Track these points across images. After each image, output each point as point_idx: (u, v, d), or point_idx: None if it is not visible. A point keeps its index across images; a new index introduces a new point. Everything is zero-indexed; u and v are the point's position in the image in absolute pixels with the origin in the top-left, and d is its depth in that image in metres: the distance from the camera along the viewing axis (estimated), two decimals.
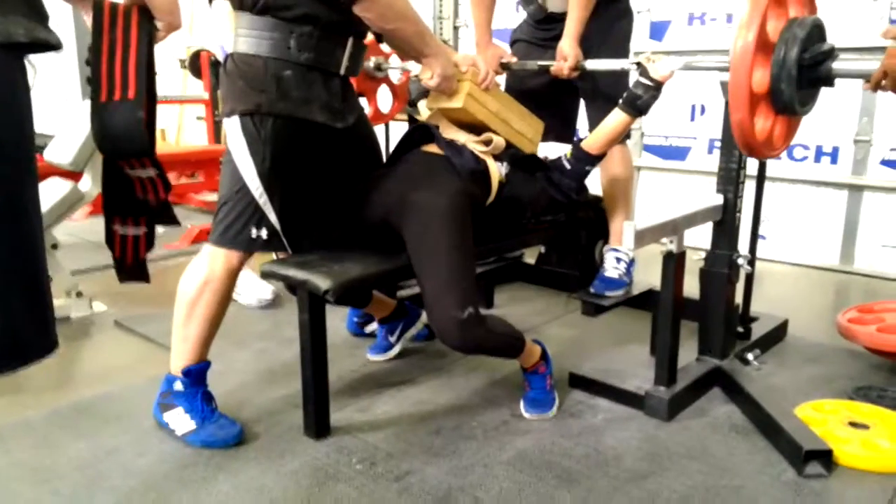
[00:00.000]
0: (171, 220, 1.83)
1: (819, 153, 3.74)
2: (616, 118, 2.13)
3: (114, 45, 1.49)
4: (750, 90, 1.74)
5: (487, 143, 2.10)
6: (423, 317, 2.52)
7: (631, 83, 2.18)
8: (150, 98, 1.56)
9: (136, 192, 1.70)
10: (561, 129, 2.65)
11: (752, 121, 1.79)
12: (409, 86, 2.43)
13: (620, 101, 2.13)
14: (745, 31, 1.71)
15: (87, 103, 1.54)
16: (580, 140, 2.20)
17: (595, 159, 2.18)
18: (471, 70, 2.14)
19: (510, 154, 2.17)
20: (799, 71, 1.74)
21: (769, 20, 1.76)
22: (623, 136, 2.24)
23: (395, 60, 2.98)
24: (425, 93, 2.33)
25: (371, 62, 2.93)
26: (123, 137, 1.52)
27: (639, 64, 2.11)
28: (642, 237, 1.86)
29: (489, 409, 2.12)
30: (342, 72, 1.90)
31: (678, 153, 4.20)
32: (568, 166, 2.18)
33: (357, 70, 1.97)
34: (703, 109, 4.06)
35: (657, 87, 2.07)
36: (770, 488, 1.71)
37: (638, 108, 2.11)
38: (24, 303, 1.16)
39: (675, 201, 3.90)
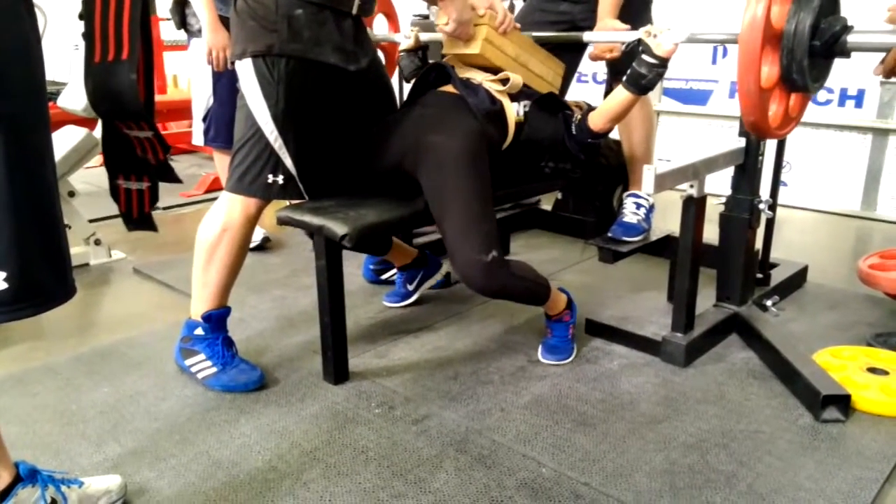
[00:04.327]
0: (172, 179, 1.81)
1: (843, 96, 3.65)
2: (620, 97, 1.98)
3: (107, 0, 1.45)
4: (760, 89, 1.62)
5: (504, 81, 2.05)
6: (444, 267, 2.52)
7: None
8: (146, 57, 1.53)
9: (136, 151, 1.69)
10: None
11: (766, 116, 1.70)
12: (398, 63, 2.34)
13: (623, 78, 1.97)
14: (748, 28, 1.57)
15: None
16: (591, 109, 2.12)
17: (597, 136, 2.05)
18: (488, 13, 2.07)
19: (530, 94, 2.12)
20: (811, 58, 1.63)
21: (773, 5, 1.60)
22: (628, 112, 2.13)
23: (379, 27, 2.88)
24: (417, 70, 2.26)
25: None
26: (117, 99, 1.49)
27: (640, 41, 1.94)
28: (662, 181, 1.83)
29: (506, 354, 2.13)
30: (354, 11, 1.85)
31: (699, 97, 4.12)
32: (574, 132, 2.09)
33: (370, 10, 1.92)
34: (724, 52, 3.96)
35: (661, 63, 1.90)
36: (787, 433, 1.72)
37: (642, 86, 1.94)
38: (40, 248, 1.16)
39: (695, 146, 3.84)
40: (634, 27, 2.23)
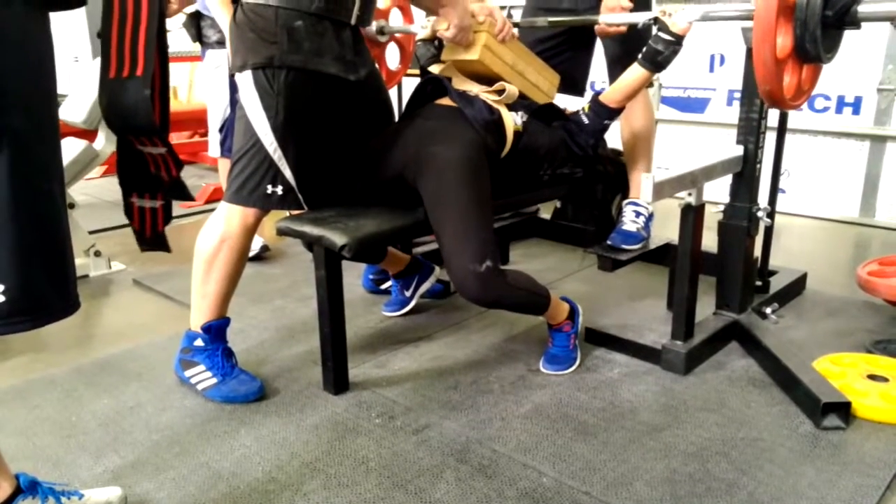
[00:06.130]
0: (185, 196, 1.83)
1: (841, 103, 3.67)
2: (635, 73, 2.07)
3: (124, 17, 1.46)
4: (775, 59, 1.67)
5: (500, 92, 2.07)
6: (437, 271, 2.52)
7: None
8: (162, 74, 1.54)
9: (150, 168, 1.70)
10: (571, 81, 2.59)
11: (781, 85, 1.74)
12: (415, 52, 2.39)
13: (639, 56, 2.06)
14: (763, 2, 1.61)
15: (98, 62, 1.53)
16: (598, 93, 2.15)
17: (613, 113, 2.13)
18: (488, 21, 2.09)
19: (526, 104, 2.14)
20: (823, 28, 1.67)
21: None
22: (640, 91, 2.18)
23: (394, 21, 2.91)
24: (433, 58, 2.29)
25: (373, 26, 2.86)
26: (130, 115, 1.50)
27: (656, 19, 2.04)
28: (661, 189, 1.84)
29: (506, 363, 2.13)
30: (353, 21, 1.86)
31: (697, 105, 4.13)
32: (586, 121, 2.13)
33: (369, 20, 1.94)
34: (722, 59, 3.97)
35: (678, 41, 2.00)
36: (787, 440, 1.71)
37: (658, 63, 2.03)
38: (43, 263, 1.16)
39: (693, 154, 3.85)
40: (638, 5, 2.30)
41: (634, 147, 2.61)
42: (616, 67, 2.50)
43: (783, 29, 1.68)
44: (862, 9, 1.70)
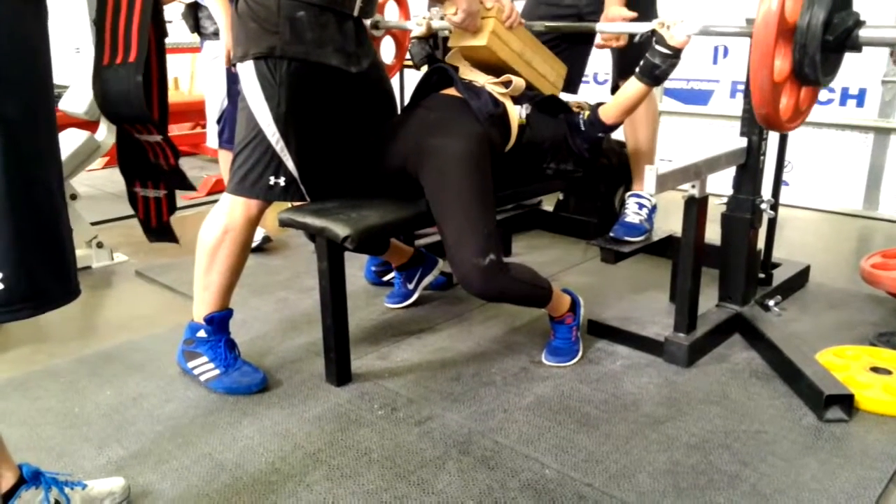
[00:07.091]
0: (186, 186, 1.82)
1: (845, 95, 3.65)
2: (633, 88, 2.02)
3: (118, 4, 1.46)
4: (773, 83, 1.64)
5: (507, 84, 2.06)
6: (440, 264, 2.52)
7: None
8: (159, 63, 1.53)
9: (149, 156, 1.69)
10: (568, 77, 2.58)
11: (778, 108, 1.71)
12: (410, 50, 2.37)
13: (637, 69, 2.01)
14: (762, 23, 1.58)
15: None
16: (599, 104, 2.13)
17: (609, 128, 2.09)
18: (496, 7, 2.08)
19: (531, 96, 2.13)
20: (823, 53, 1.64)
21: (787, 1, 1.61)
22: (640, 104, 2.14)
23: (390, 16, 2.90)
24: (427, 57, 2.27)
25: (368, 21, 2.84)
26: (123, 102, 1.49)
27: (653, 31, 1.98)
28: (664, 182, 1.83)
29: (508, 355, 2.13)
30: (356, 13, 1.85)
31: (700, 97, 4.11)
32: (582, 128, 2.12)
33: (372, 12, 1.93)
34: (725, 52, 3.95)
35: (675, 54, 1.95)
36: (790, 433, 1.71)
37: (656, 77, 1.99)
38: (40, 250, 1.15)
39: (697, 146, 3.84)
40: (641, 15, 2.25)
41: (638, 139, 2.61)
42: (621, 81, 2.49)
43: (782, 51, 1.64)
44: (863, 33, 1.67)
